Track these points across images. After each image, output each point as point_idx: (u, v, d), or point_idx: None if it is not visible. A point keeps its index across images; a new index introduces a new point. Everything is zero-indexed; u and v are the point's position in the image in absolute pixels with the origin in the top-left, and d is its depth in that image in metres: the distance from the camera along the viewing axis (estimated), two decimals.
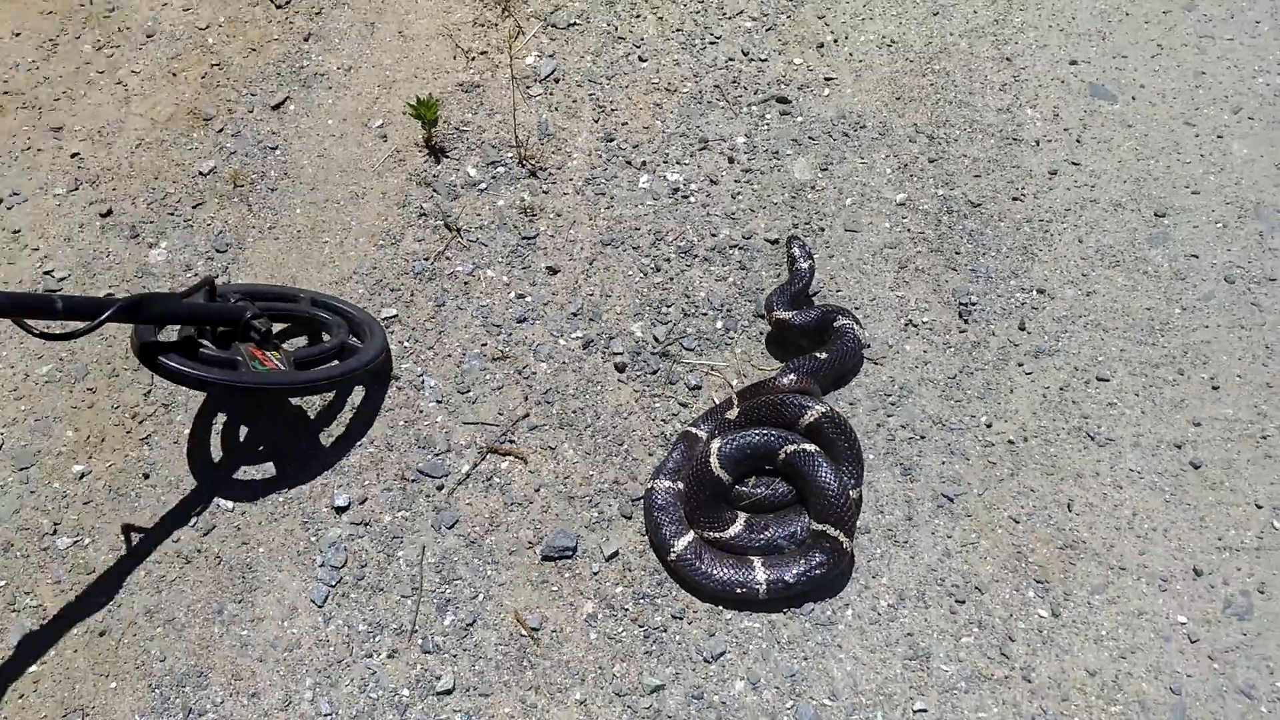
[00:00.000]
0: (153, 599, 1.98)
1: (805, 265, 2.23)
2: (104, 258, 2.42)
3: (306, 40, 2.76)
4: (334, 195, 2.50)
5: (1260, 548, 1.95)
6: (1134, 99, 2.59)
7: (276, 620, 1.94)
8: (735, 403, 2.11)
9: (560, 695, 1.85)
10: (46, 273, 2.40)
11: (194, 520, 2.05)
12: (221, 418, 2.20)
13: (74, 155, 2.58)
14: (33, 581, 1.99)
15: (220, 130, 2.61)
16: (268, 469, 2.13)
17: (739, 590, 1.92)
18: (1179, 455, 2.06)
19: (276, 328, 2.30)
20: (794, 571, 1.91)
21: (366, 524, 2.05)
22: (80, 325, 1.78)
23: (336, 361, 2.21)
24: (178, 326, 2.10)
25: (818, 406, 2.03)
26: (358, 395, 2.24)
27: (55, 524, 2.07)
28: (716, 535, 1.98)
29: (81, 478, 2.12)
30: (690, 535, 1.98)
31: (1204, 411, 2.12)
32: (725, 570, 1.93)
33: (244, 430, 2.20)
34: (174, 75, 2.71)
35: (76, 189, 2.53)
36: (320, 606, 1.95)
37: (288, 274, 2.38)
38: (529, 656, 1.89)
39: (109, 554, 2.03)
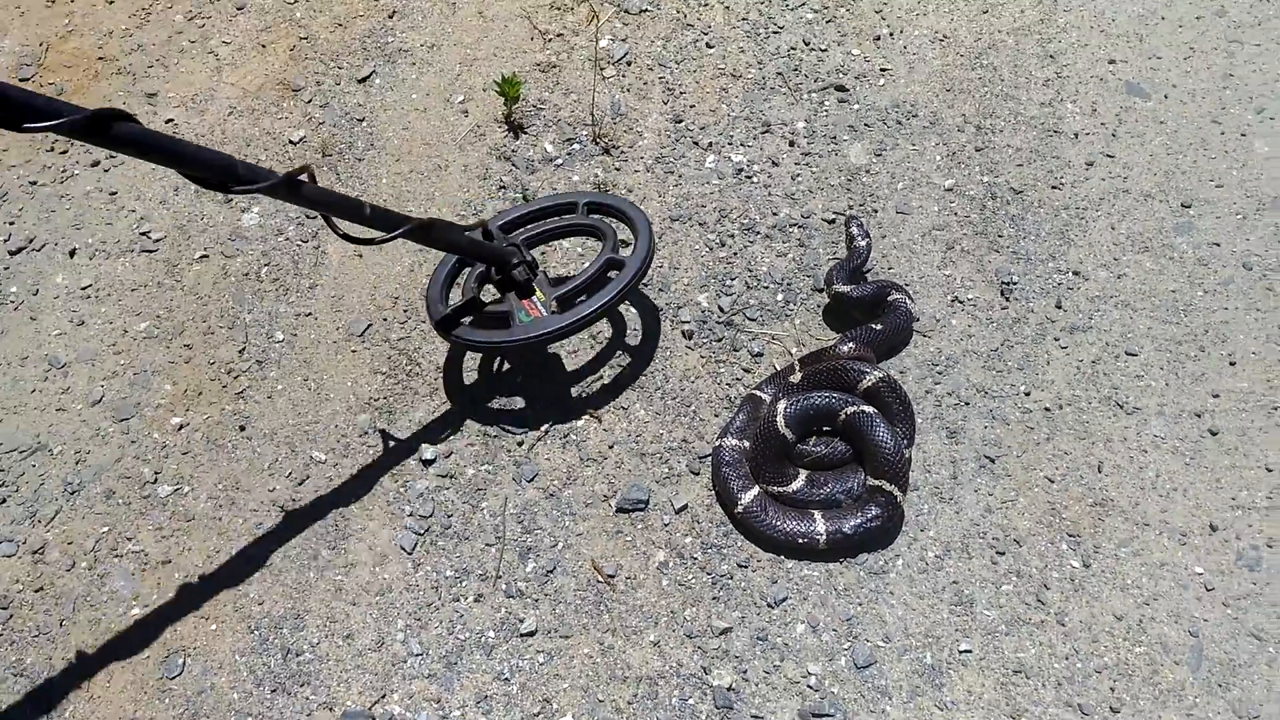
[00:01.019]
0: (250, 546, 2.19)
1: (863, 244, 2.46)
2: (198, 220, 2.63)
3: (391, 17, 2.96)
4: (418, 166, 2.71)
5: (1270, 507, 2.19)
6: (1166, 97, 2.81)
7: (369, 566, 2.16)
8: (798, 368, 2.34)
9: (635, 637, 2.07)
10: (143, 233, 2.61)
11: (289, 470, 2.28)
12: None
13: (168, 121, 2.79)
14: (134, 528, 2.20)
15: (309, 101, 2.82)
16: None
17: (801, 540, 2.15)
18: (1199, 423, 2.30)
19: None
20: (852, 523, 2.15)
21: (452, 476, 2.27)
22: (378, 234, 1.95)
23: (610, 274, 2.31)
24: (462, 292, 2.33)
25: (875, 372, 2.26)
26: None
27: (156, 473, 2.28)
28: (780, 490, 2.21)
29: (180, 429, 2.33)
30: (755, 490, 2.21)
31: (1222, 384, 2.35)
32: (789, 522, 2.16)
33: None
34: (263, 47, 2.92)
35: None
36: (410, 553, 2.17)
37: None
38: (605, 601, 2.12)
39: (207, 502, 2.24)
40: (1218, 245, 2.56)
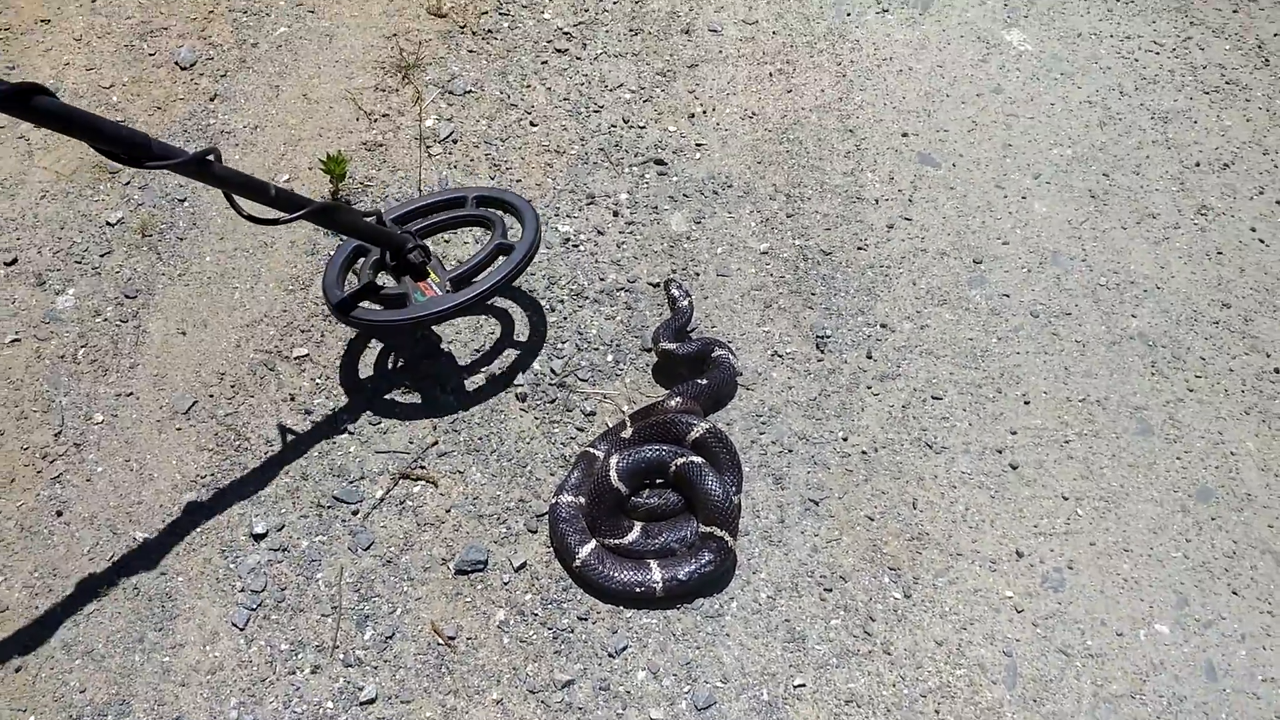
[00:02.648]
0: (70, 632, 2.14)
1: (685, 303, 2.65)
2: (9, 304, 2.60)
3: (212, 100, 3.03)
4: (243, 244, 2.76)
5: (1068, 531, 2.44)
6: (954, 165, 3.16)
7: (198, 645, 2.14)
8: (629, 424, 2.48)
9: (478, 696, 2.12)
10: None
11: (111, 553, 2.24)
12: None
13: None
14: None
15: (127, 183, 2.84)
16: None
17: (639, 590, 2.26)
18: (1000, 459, 2.55)
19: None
20: (687, 570, 2.26)
21: (285, 549, 2.29)
22: (281, 215, 2.08)
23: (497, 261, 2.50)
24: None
25: (702, 424, 2.43)
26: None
27: None
28: (617, 542, 2.32)
29: None
30: (592, 544, 2.31)
31: (1019, 422, 2.62)
32: (626, 573, 2.27)
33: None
34: None
35: None
36: (242, 629, 2.17)
37: (199, 317, 2.62)
38: (447, 663, 2.16)
39: (22, 591, 2.18)
40: (1007, 296, 2.87)
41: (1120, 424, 2.63)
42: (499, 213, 2.62)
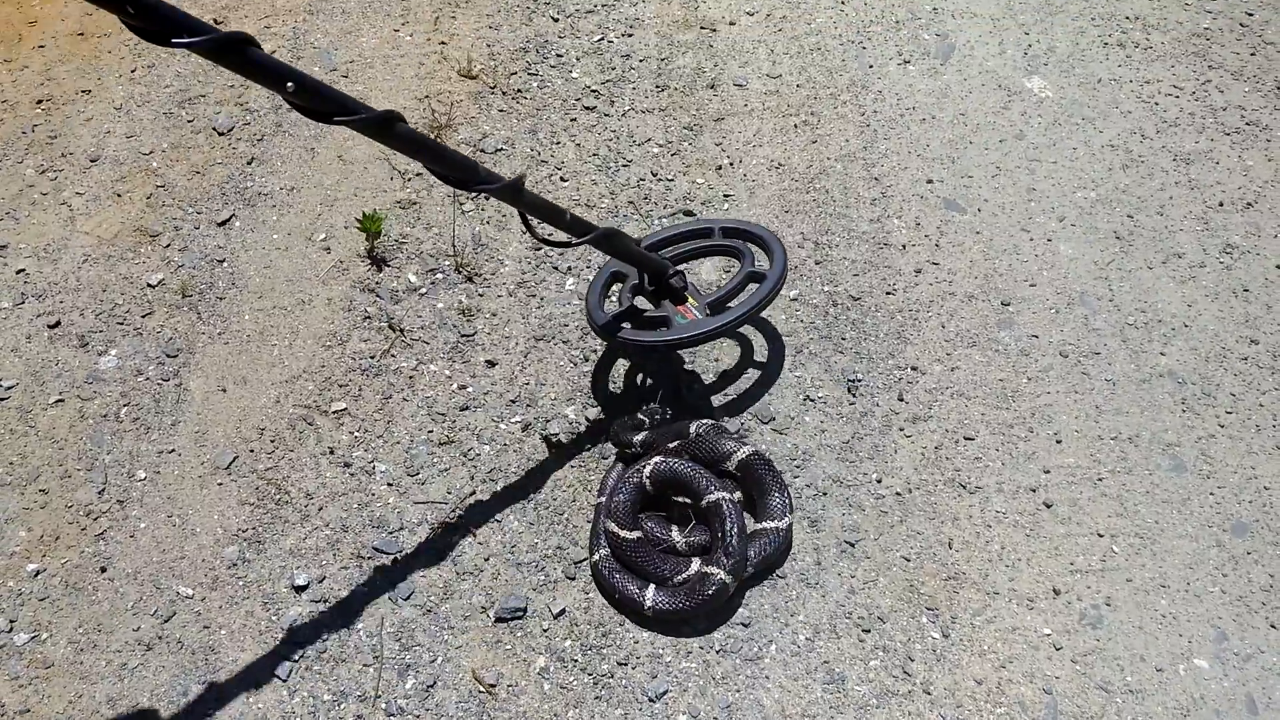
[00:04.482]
0: (115, 687, 2.25)
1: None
2: (53, 366, 2.76)
3: (250, 164, 3.23)
4: (281, 302, 2.93)
5: (1104, 568, 2.53)
6: (980, 210, 3.31)
7: (242, 698, 2.24)
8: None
9: None
10: None
11: (154, 608, 2.36)
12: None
13: (19, 271, 2.94)
14: None
15: (168, 246, 3.03)
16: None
17: (631, 603, 2.39)
18: (1034, 497, 2.64)
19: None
20: (679, 601, 2.37)
21: (326, 600, 2.40)
22: (571, 238, 2.35)
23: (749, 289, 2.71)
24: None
25: (746, 446, 2.55)
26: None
27: (11, 621, 2.33)
28: (623, 534, 2.44)
29: (36, 575, 2.40)
30: (606, 550, 2.46)
31: (1051, 461, 2.72)
32: (627, 585, 2.40)
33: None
34: (119, 196, 3.13)
35: (22, 303, 2.88)
36: (285, 681, 2.27)
37: (239, 375, 2.77)
38: (488, 711, 2.25)
39: (67, 647, 2.29)
40: (1036, 337, 2.99)
41: (1153, 461, 2.73)
42: (746, 243, 2.85)
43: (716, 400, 2.81)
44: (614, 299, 2.88)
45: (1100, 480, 2.70)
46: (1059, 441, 2.77)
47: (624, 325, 2.66)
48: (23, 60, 3.45)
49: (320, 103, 1.73)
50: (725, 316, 2.60)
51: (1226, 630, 2.43)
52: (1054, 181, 3.41)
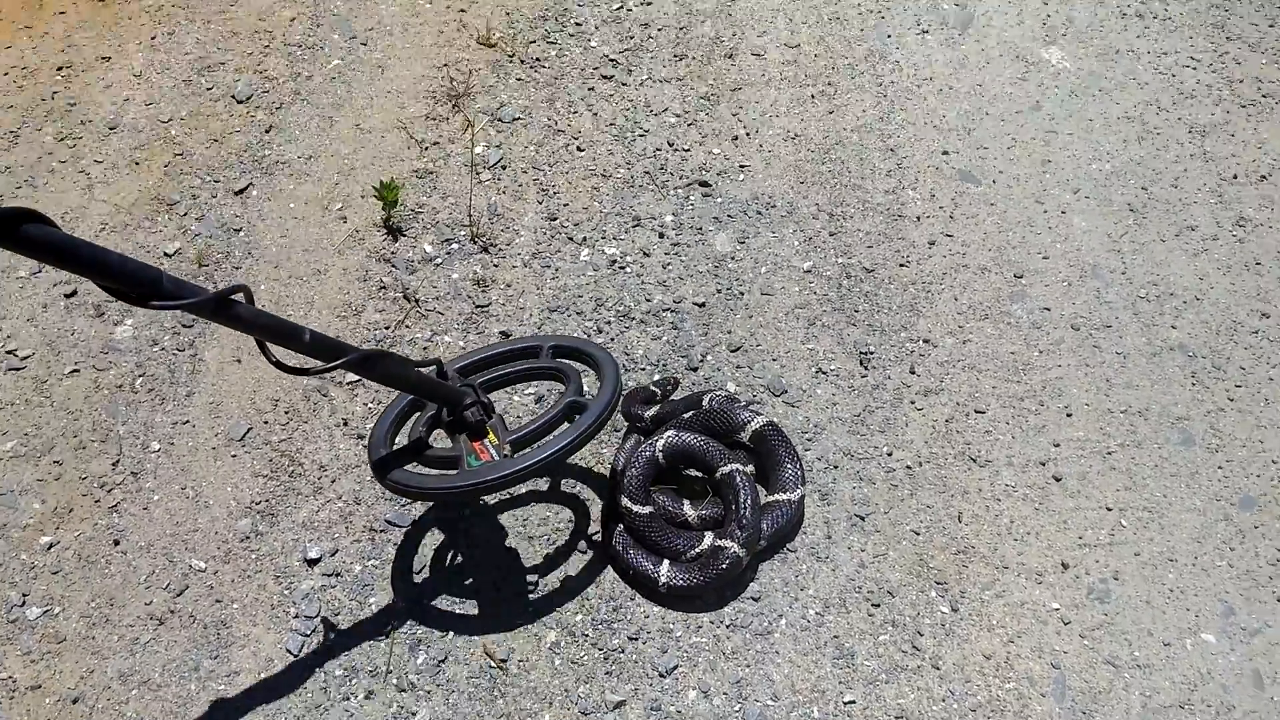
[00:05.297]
0: (127, 662, 2.27)
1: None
2: (69, 336, 2.77)
3: (268, 132, 3.22)
4: (297, 272, 2.94)
5: (1112, 543, 2.54)
6: (994, 182, 3.28)
7: (253, 673, 2.27)
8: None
9: (531, 718, 2.23)
10: (9, 351, 2.73)
11: (167, 582, 2.38)
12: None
13: None
14: (1, 654, 2.26)
15: (185, 214, 3.03)
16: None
17: (647, 579, 2.41)
18: (1044, 471, 2.66)
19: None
20: (694, 576, 2.40)
21: (338, 574, 2.42)
22: (316, 364, 1.90)
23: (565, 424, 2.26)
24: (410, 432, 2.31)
25: (760, 416, 2.56)
26: None
27: (24, 595, 2.35)
28: (635, 509, 2.45)
29: (50, 548, 2.42)
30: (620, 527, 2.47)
31: (1061, 434, 2.73)
32: (642, 561, 2.42)
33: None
34: (137, 164, 3.12)
35: (40, 271, 2.89)
36: (296, 655, 2.29)
37: (253, 345, 2.77)
38: (499, 686, 2.28)
39: (80, 621, 2.32)
40: (1048, 310, 2.99)
41: (1162, 434, 2.74)
42: (576, 365, 2.47)
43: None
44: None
45: (1109, 454, 2.71)
46: (1069, 415, 2.77)
47: (404, 467, 2.21)
48: (43, 26, 3.43)
49: None
50: (523, 460, 2.13)
51: (1234, 605, 2.45)
52: (1069, 153, 3.38)
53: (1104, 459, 2.70)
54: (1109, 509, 2.61)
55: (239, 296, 1.70)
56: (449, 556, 2.45)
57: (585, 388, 2.40)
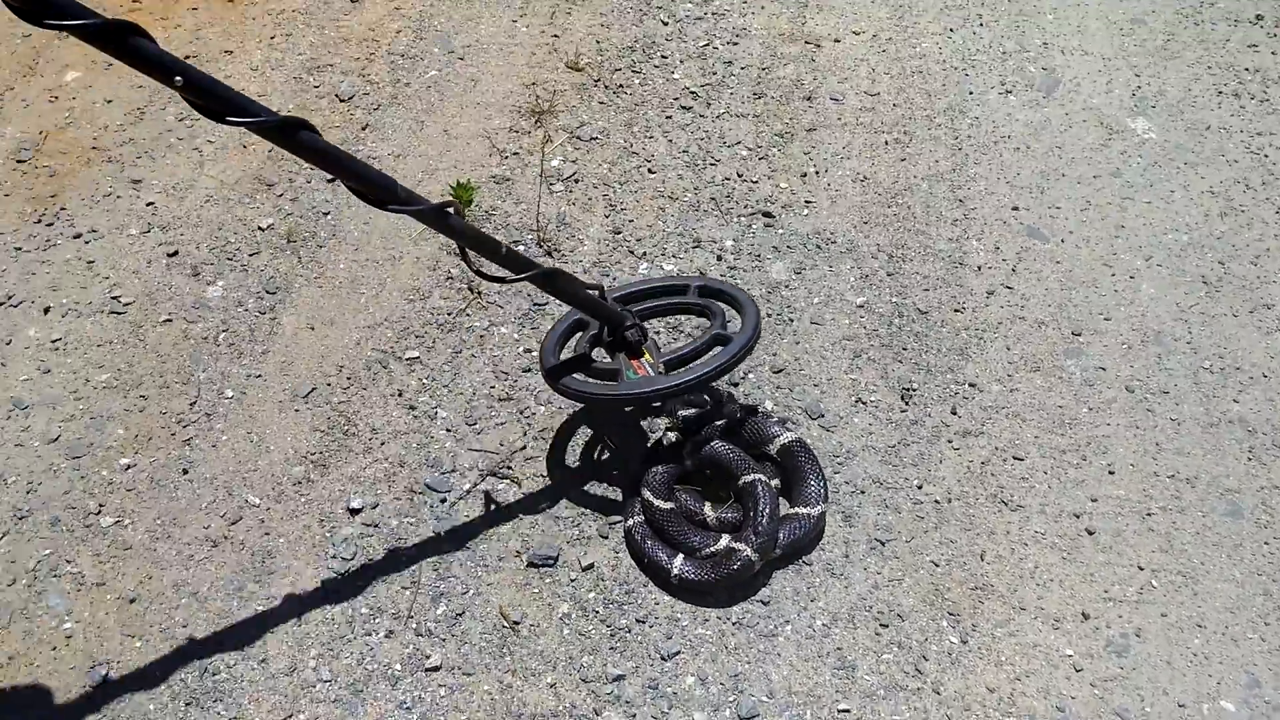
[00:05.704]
0: (181, 574, 2.45)
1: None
2: (166, 290, 3.01)
3: (364, 129, 3.47)
4: (374, 255, 3.13)
5: (1140, 601, 2.48)
6: (1063, 241, 3.29)
7: (289, 600, 2.42)
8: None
9: (534, 678, 2.31)
10: (114, 297, 2.98)
11: (225, 511, 2.57)
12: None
13: (149, 204, 3.22)
14: (75, 553, 2.47)
15: (280, 195, 3.27)
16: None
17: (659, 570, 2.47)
18: (1077, 523, 2.62)
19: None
20: (704, 572, 2.44)
21: (376, 525, 2.56)
22: (508, 274, 2.19)
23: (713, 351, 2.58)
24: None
25: (790, 432, 2.61)
26: None
27: (100, 505, 2.56)
28: (657, 504, 2.51)
29: (127, 469, 2.63)
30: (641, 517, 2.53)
31: (1100, 491, 2.69)
32: (657, 551, 2.48)
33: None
34: (244, 147, 3.40)
35: (148, 231, 3.16)
36: (329, 590, 2.44)
37: (327, 316, 2.98)
38: (509, 644, 2.37)
39: (145, 534, 2.51)
40: (1103, 369, 2.96)
41: (1209, 503, 2.67)
42: (720, 304, 2.72)
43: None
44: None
45: (1149, 515, 2.65)
46: (1111, 472, 2.73)
47: (574, 374, 2.55)
48: (176, 20, 3.78)
49: (212, 100, 1.61)
50: (675, 377, 2.46)
51: (1260, 677, 2.36)
52: (1145, 221, 3.37)
53: (1142, 519, 2.64)
54: (1140, 568, 2.55)
55: (451, 210, 2.00)
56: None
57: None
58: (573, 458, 2.71)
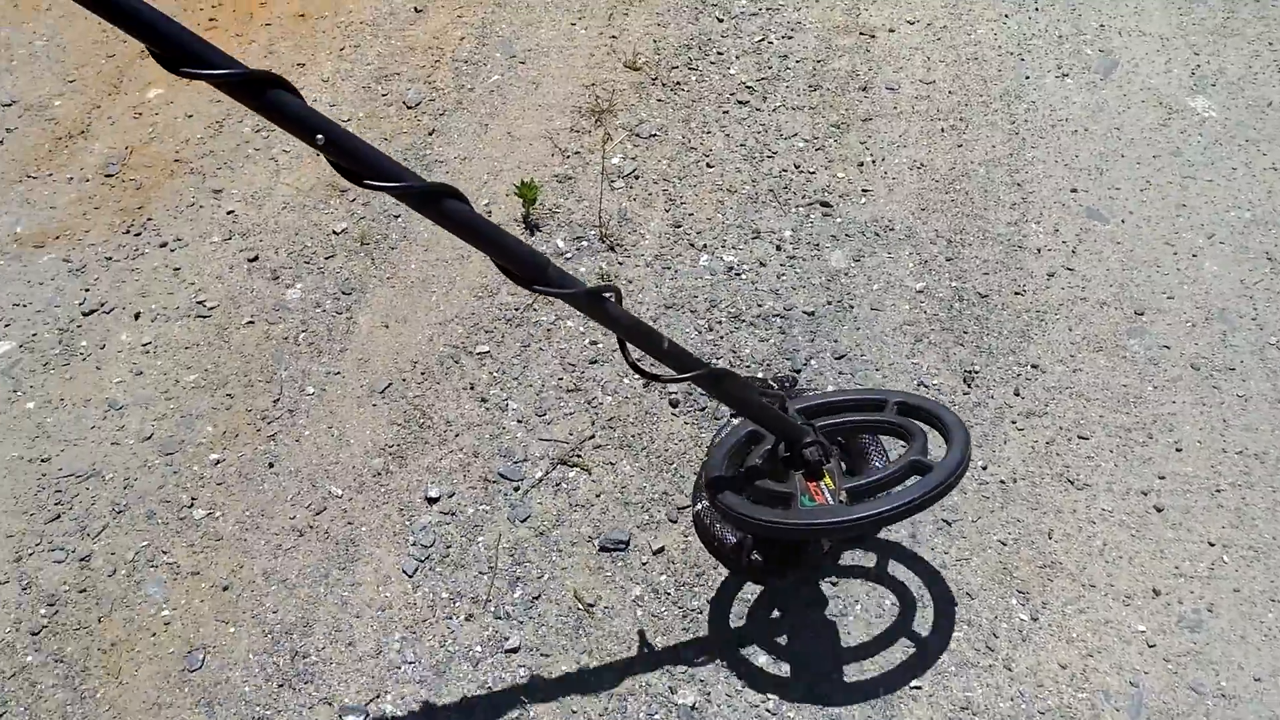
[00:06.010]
0: (270, 563, 2.58)
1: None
2: (248, 293, 3.16)
3: (430, 134, 3.59)
4: (443, 255, 3.24)
5: (1211, 576, 2.49)
6: (1123, 222, 3.29)
7: (373, 586, 2.53)
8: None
9: (609, 659, 2.39)
10: (199, 302, 3.12)
11: (309, 502, 2.69)
12: None
13: (229, 212, 3.37)
14: (170, 544, 2.61)
15: (353, 200, 3.40)
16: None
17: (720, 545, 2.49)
18: (1145, 500, 2.63)
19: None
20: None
21: (453, 514, 2.66)
22: (669, 373, 1.96)
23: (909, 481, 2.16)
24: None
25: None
26: None
27: (192, 499, 2.70)
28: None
29: (217, 464, 2.77)
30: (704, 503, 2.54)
31: (1168, 468, 2.70)
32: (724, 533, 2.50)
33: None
34: (317, 156, 3.53)
35: (229, 239, 3.31)
36: (410, 577, 2.54)
37: (400, 314, 3.09)
38: (584, 627, 2.45)
39: (235, 525, 2.65)
40: (1168, 348, 2.97)
41: (1279, 479, 2.67)
42: (920, 425, 2.33)
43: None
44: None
45: (1219, 491, 2.65)
46: (1179, 450, 2.74)
47: (740, 493, 2.24)
48: (251, 35, 3.94)
49: (354, 162, 1.47)
50: (862, 509, 2.07)
51: None
52: (1207, 199, 3.35)
53: (1212, 495, 2.65)
54: (1211, 544, 2.56)
55: (610, 295, 1.80)
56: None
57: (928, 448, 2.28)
58: (638, 445, 2.78)
